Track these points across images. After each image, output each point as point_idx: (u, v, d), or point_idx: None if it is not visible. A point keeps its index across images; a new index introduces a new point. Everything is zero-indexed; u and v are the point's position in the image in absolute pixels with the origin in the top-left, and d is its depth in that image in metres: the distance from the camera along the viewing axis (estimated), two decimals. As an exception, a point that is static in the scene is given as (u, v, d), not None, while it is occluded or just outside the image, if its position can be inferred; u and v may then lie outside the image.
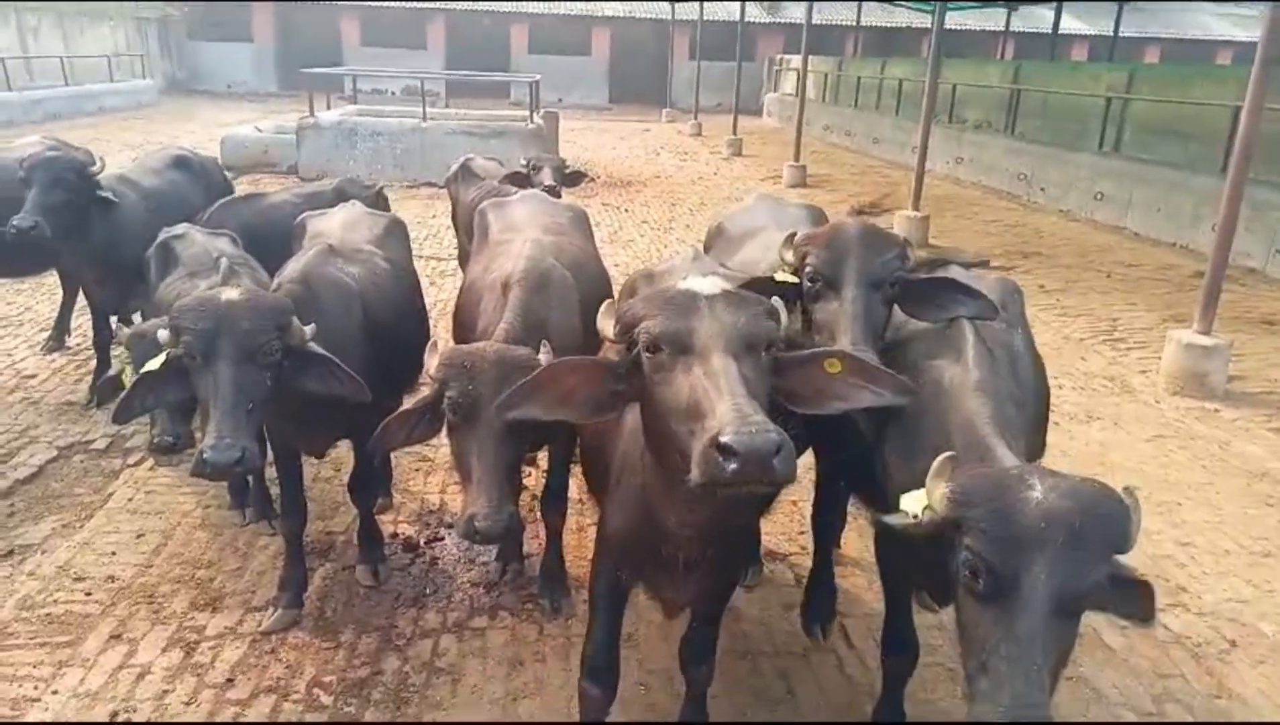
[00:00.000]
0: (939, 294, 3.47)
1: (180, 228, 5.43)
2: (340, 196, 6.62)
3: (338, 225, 5.39)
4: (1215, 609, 4.76)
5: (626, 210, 15.86)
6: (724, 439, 2.15)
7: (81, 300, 7.58)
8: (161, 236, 5.36)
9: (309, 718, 3.81)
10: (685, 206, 16.39)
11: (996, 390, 3.06)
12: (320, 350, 3.86)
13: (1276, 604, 4.82)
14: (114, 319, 6.53)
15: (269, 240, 5.95)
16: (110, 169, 6.84)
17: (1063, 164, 17.16)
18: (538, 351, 3.66)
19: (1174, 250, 13.66)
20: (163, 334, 3.73)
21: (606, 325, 2.80)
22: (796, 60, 28.08)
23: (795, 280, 3.58)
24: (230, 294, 3.75)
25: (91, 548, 5.00)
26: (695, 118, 29.77)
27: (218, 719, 3.78)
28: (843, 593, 4.74)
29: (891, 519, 2.64)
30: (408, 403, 3.65)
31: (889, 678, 3.75)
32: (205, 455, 3.43)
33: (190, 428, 4.32)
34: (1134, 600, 2.38)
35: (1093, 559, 2.20)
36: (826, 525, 4.67)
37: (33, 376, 7.31)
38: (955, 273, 3.71)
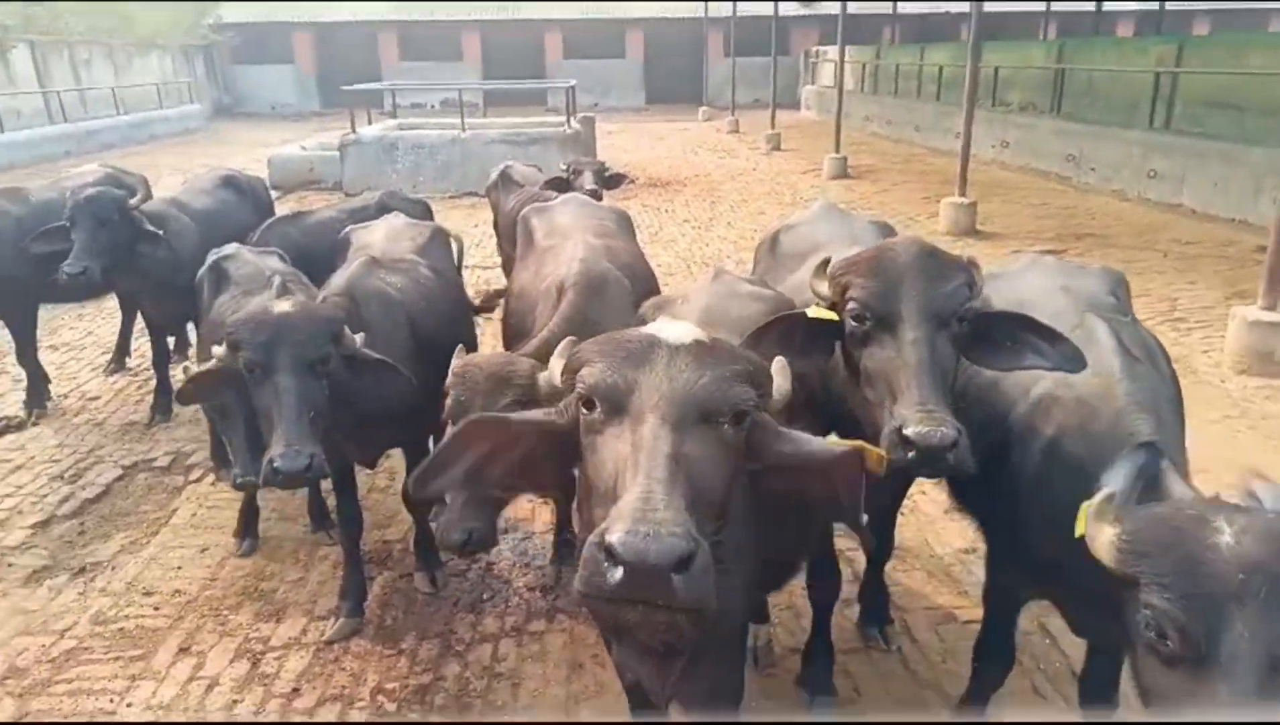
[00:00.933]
0: (1011, 335, 2.88)
1: (230, 248, 5.53)
2: (383, 209, 6.69)
3: (381, 237, 5.46)
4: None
5: (667, 210, 15.84)
6: (609, 538, 1.68)
7: (141, 322, 7.79)
8: (211, 258, 5.47)
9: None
10: (726, 204, 16.32)
11: (1154, 400, 2.73)
12: (374, 354, 3.94)
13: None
14: (171, 339, 6.69)
15: (316, 256, 6.04)
16: (161, 192, 7.02)
17: (1112, 142, 16.75)
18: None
19: (1233, 226, 13.24)
20: (218, 349, 3.83)
21: (555, 367, 2.43)
22: (833, 52, 27.84)
23: (833, 317, 2.95)
24: (283, 306, 3.83)
25: (158, 563, 5.12)
26: (732, 114, 29.65)
27: (285, 728, 3.84)
28: (901, 587, 4.66)
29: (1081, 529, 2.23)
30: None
31: (977, 683, 3.57)
32: (275, 464, 3.50)
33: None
34: None
35: None
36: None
37: (96, 398, 7.52)
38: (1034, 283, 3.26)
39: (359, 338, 3.92)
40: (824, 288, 3.04)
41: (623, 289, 4.41)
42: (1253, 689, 1.79)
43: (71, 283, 6.04)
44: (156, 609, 4.69)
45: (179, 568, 5.07)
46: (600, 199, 8.38)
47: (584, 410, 2.09)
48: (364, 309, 4.37)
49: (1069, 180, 17.69)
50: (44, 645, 4.38)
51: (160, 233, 6.39)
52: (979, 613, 4.42)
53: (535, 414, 2.27)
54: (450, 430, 2.28)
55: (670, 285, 10.65)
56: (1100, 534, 2.11)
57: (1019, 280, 3.73)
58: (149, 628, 4.53)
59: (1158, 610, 1.93)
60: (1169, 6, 26.94)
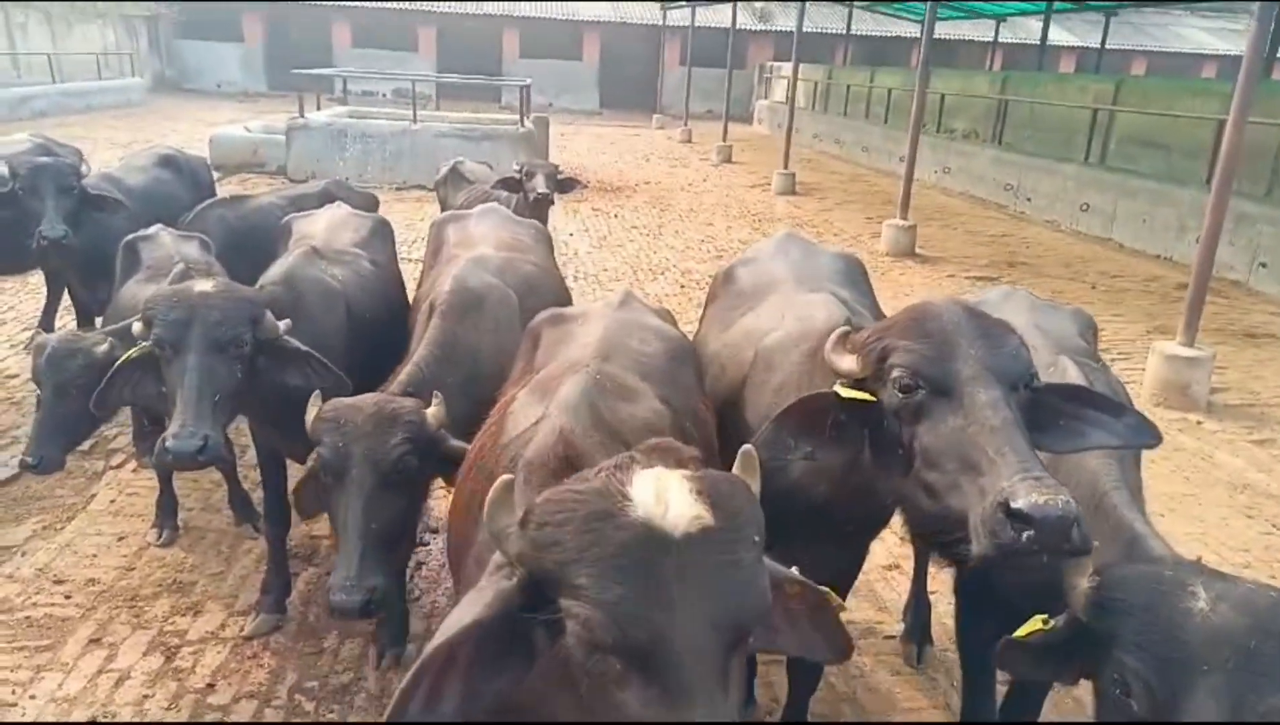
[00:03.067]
0: (1066, 411, 2.48)
1: (151, 229, 5.38)
2: (327, 198, 6.60)
3: (323, 227, 5.37)
4: (1196, 620, 4.78)
5: (616, 215, 15.87)
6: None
7: (67, 300, 7.54)
8: (129, 237, 5.32)
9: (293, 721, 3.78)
10: (675, 212, 16.42)
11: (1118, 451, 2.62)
12: (297, 344, 3.84)
13: (1256, 615, 4.86)
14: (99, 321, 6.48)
15: (254, 243, 5.93)
16: (97, 167, 6.82)
17: (1049, 174, 17.29)
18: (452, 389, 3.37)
19: (1159, 262, 13.78)
20: (136, 326, 3.73)
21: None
22: (787, 68, 28.18)
23: (868, 397, 2.51)
24: (203, 286, 3.75)
25: (72, 550, 4.96)
26: (685, 124, 29.84)
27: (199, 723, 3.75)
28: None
29: (1023, 634, 2.21)
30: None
31: None
32: (167, 443, 3.42)
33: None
34: None
35: (1269, 684, 1.87)
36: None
37: (15, 376, 7.24)
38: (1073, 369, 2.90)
39: (284, 323, 3.84)
40: (849, 362, 2.56)
41: (506, 306, 4.21)
42: None
43: (50, 248, 5.91)
44: (68, 598, 4.54)
45: (94, 556, 4.92)
46: (552, 202, 8.38)
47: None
48: (303, 300, 4.30)
49: (1006, 208, 18.20)
50: (-55, 632, 4.21)
51: (123, 200, 6.26)
52: (898, 627, 4.55)
53: (485, 602, 1.69)
54: (406, 679, 1.63)
55: (614, 291, 10.69)
56: (1076, 584, 2.12)
57: (994, 312, 3.72)
58: (58, 617, 4.38)
59: (1128, 669, 1.96)
60: (1109, 45, 27.89)
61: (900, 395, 2.40)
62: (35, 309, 8.41)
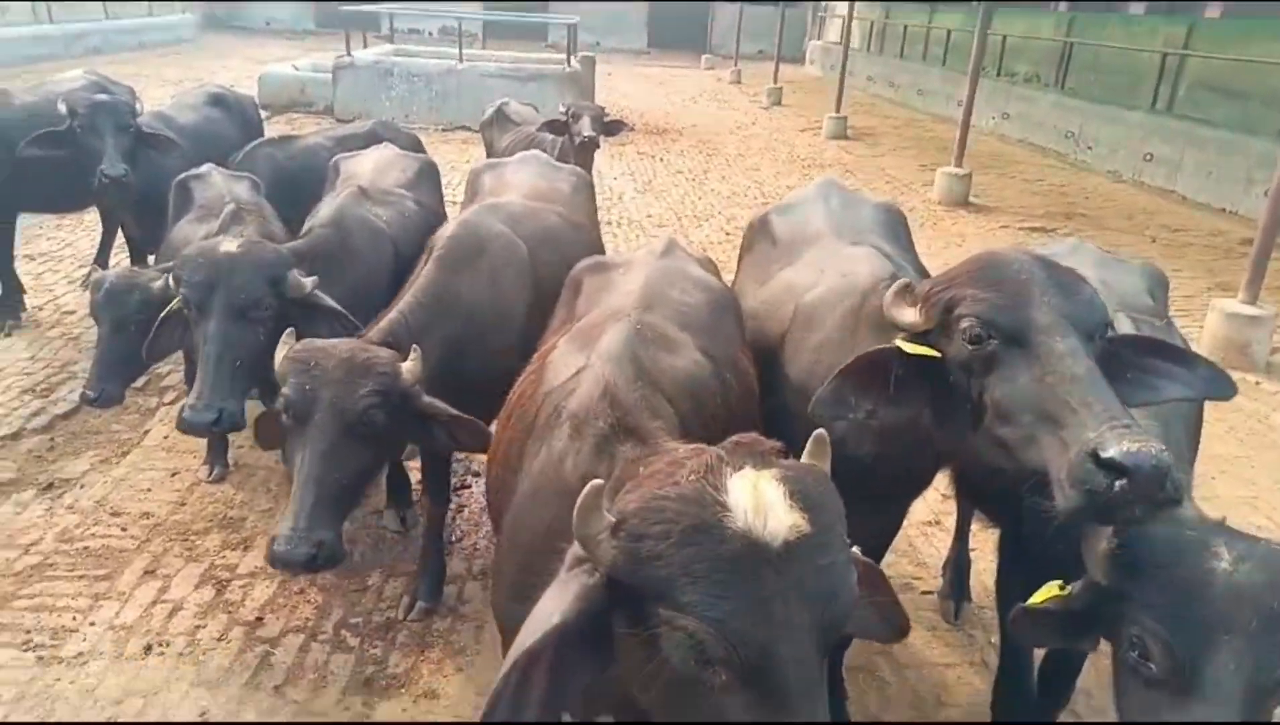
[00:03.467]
0: (1137, 363, 2.40)
1: (203, 168, 5.43)
2: (374, 139, 6.59)
3: (370, 167, 5.38)
4: (1244, 586, 4.70)
5: (662, 159, 15.67)
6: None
7: (120, 238, 7.67)
8: (181, 176, 5.38)
9: (335, 658, 3.89)
10: (722, 157, 16.16)
11: (1162, 408, 2.55)
12: (327, 301, 3.80)
13: (1308, 583, 4.75)
14: (151, 258, 6.59)
15: (301, 183, 5.96)
16: (148, 105, 6.88)
17: (1112, 122, 16.65)
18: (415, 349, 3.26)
19: (1223, 216, 13.27)
20: (160, 283, 3.81)
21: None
22: (841, 7, 27.38)
23: (933, 353, 2.43)
24: (229, 246, 3.73)
25: (128, 484, 5.11)
26: (735, 65, 29.19)
27: (247, 655, 3.88)
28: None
29: (1037, 601, 2.20)
30: None
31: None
32: (184, 414, 3.54)
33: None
34: None
35: None
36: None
37: (72, 312, 7.43)
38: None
39: (311, 280, 3.81)
40: (911, 315, 2.48)
41: (511, 259, 4.00)
42: (1228, 720, 1.80)
43: (110, 186, 6.00)
44: (124, 530, 4.70)
45: (148, 490, 5.07)
46: (598, 145, 8.28)
47: None
48: (350, 240, 4.33)
49: (1066, 157, 17.61)
50: (8, 559, 4.38)
51: (176, 139, 6.33)
52: (937, 583, 4.54)
53: (571, 600, 1.66)
54: (498, 681, 1.62)
55: (658, 237, 10.59)
56: (1096, 546, 2.07)
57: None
58: (115, 548, 4.54)
59: (1145, 631, 1.93)
60: (1183, -14, 26.58)
61: (970, 347, 2.31)
62: (91, 246, 8.58)
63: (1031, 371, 2.20)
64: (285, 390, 3.07)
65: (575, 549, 1.71)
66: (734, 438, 1.79)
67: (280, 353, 3.21)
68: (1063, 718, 3.50)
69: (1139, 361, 2.38)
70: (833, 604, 1.58)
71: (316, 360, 3.09)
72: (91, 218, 8.65)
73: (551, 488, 2.26)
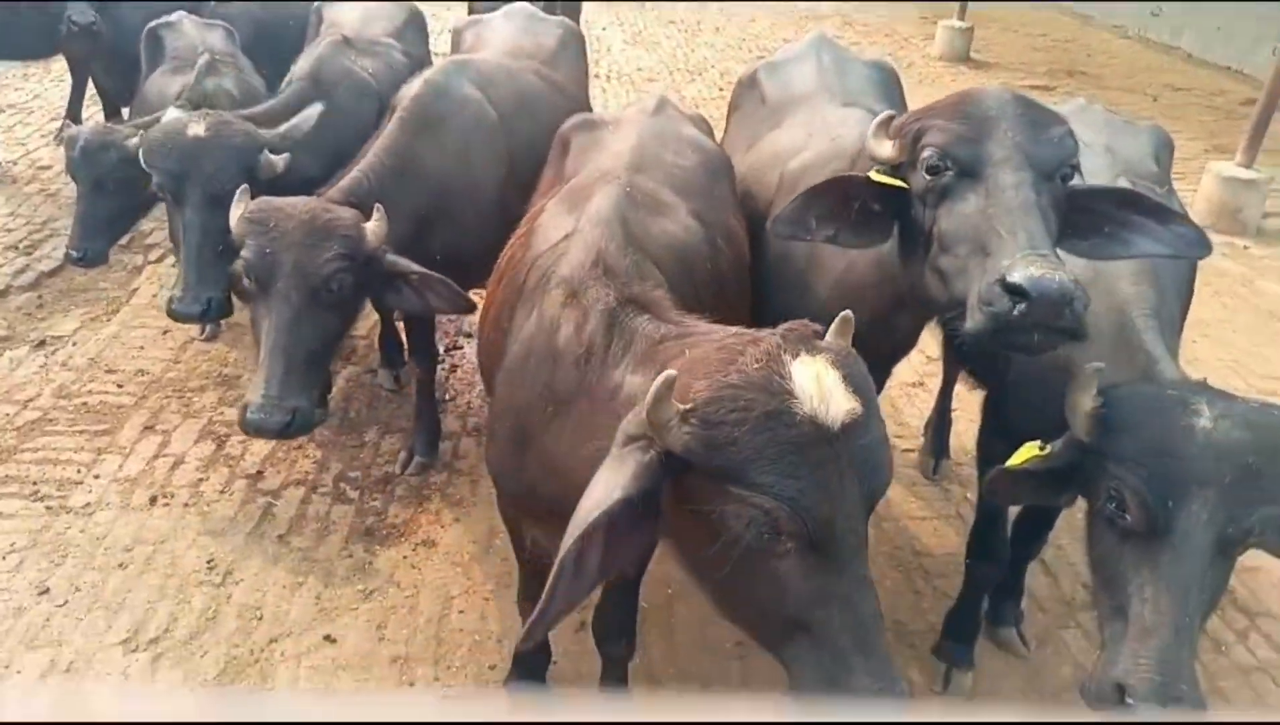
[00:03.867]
0: (1112, 216, 2.37)
1: (174, 15, 5.18)
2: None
3: (355, 15, 5.15)
4: (1214, 444, 4.86)
5: (653, 9, 15.02)
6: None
7: (91, 89, 7.39)
8: (151, 24, 5.13)
9: (336, 509, 4.03)
10: (715, 6, 15.48)
11: (1156, 270, 2.58)
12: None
13: None
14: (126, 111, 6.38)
15: (281, 32, 5.71)
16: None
17: (1122, -27, 15.95)
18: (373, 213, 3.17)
19: (1228, 74, 12.94)
20: (136, 141, 3.73)
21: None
22: None
23: (900, 184, 2.42)
24: (196, 129, 3.61)
25: (120, 341, 5.14)
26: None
27: (250, 506, 4.01)
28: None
29: (1016, 462, 2.25)
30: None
31: (970, 585, 3.36)
32: (173, 306, 3.56)
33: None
34: None
35: (1263, 501, 1.93)
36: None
37: (48, 168, 7.24)
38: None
39: (282, 159, 3.71)
40: (887, 149, 2.47)
41: (480, 124, 3.81)
42: (1196, 569, 1.92)
43: (80, 34, 5.81)
44: (120, 387, 4.75)
45: (141, 347, 5.10)
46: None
47: None
48: (333, 93, 4.18)
49: (1070, 10, 16.97)
50: (8, 414, 4.45)
51: None
52: (918, 442, 4.67)
53: (630, 476, 1.73)
54: (564, 549, 1.71)
55: (648, 92, 10.28)
56: (1080, 404, 2.13)
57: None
58: (113, 404, 4.60)
59: (1123, 484, 2.01)
60: None
61: (928, 177, 2.33)
62: (61, 97, 8.27)
63: (976, 202, 2.23)
64: (245, 253, 3.01)
65: (628, 427, 1.79)
66: (785, 325, 1.86)
67: (235, 211, 3.13)
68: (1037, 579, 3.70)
69: (1117, 215, 2.38)
70: (878, 475, 1.77)
71: (276, 221, 3.02)
72: (60, 67, 8.30)
73: (545, 351, 2.29)
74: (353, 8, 5.25)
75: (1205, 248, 2.39)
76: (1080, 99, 3.89)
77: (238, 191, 3.26)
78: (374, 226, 3.17)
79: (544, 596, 1.75)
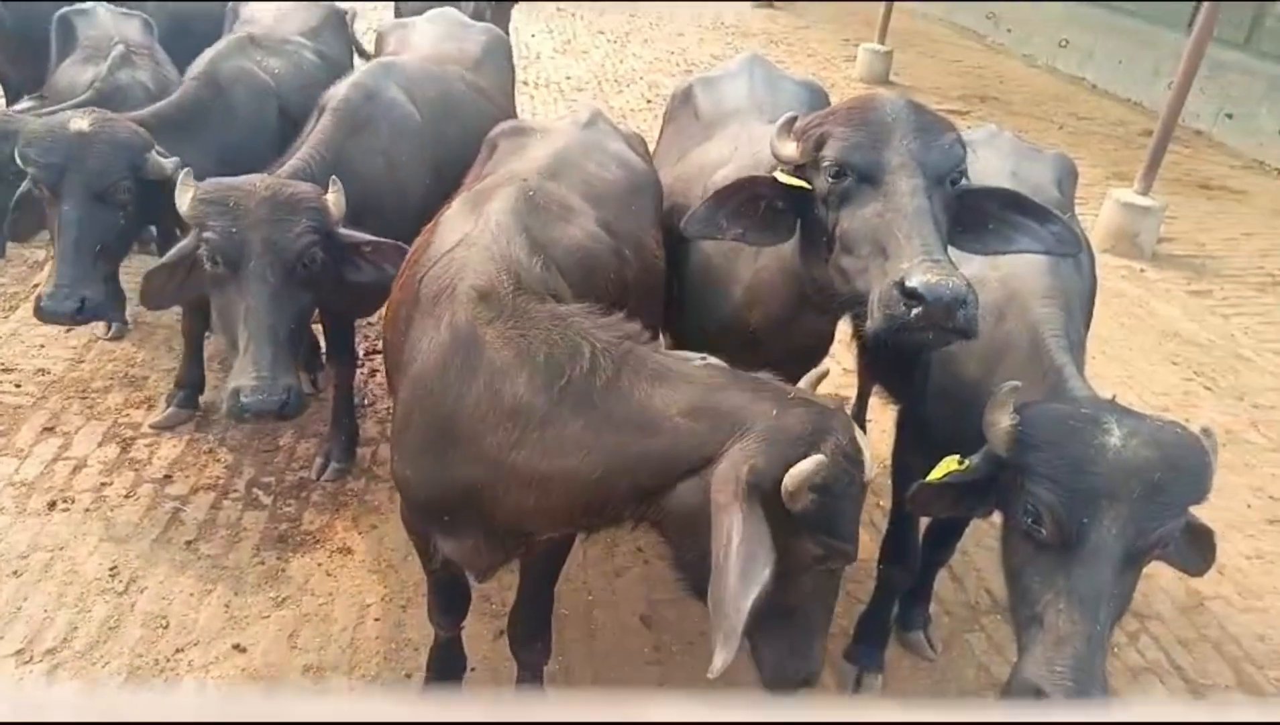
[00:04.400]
0: (997, 215, 2.55)
1: (87, 4, 4.98)
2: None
3: (269, 13, 5.02)
4: (1110, 456, 5.10)
5: (582, 17, 15.08)
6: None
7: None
8: (62, 11, 4.92)
9: (248, 516, 3.93)
10: (644, 19, 15.62)
11: (1065, 292, 2.75)
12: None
13: (1165, 455, 5.19)
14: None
15: (198, 26, 5.55)
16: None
17: (1031, 6, 16.67)
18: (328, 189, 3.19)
19: (1129, 106, 13.63)
20: (20, 154, 3.44)
21: None
22: None
23: (804, 185, 2.53)
24: (80, 124, 3.44)
25: (19, 339, 4.92)
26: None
27: (156, 512, 3.88)
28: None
29: (937, 476, 2.36)
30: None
31: (882, 590, 3.45)
32: (42, 303, 3.30)
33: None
34: (1197, 549, 2.26)
35: (1168, 514, 2.05)
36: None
37: (-57, 155, 6.88)
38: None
39: (171, 162, 3.53)
40: (790, 149, 2.58)
41: (404, 128, 3.85)
42: (1107, 580, 2.04)
43: None
44: (18, 387, 4.54)
45: (41, 346, 4.88)
46: (515, 1, 7.90)
47: None
48: (227, 95, 3.99)
49: (986, 39, 17.64)
50: (-106, 414, 4.21)
51: None
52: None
53: (767, 541, 1.91)
54: (736, 622, 1.83)
55: (577, 102, 10.30)
56: (998, 422, 2.24)
57: (976, 151, 3.69)
58: (10, 404, 4.40)
59: (1039, 500, 2.12)
60: None
61: (830, 181, 2.45)
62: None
63: (874, 207, 2.37)
64: (209, 236, 2.93)
65: (747, 477, 1.93)
66: (828, 403, 2.18)
67: (186, 195, 3.03)
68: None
69: (999, 213, 2.55)
70: None
71: (236, 200, 2.96)
72: (-43, 51, 7.90)
73: (470, 364, 2.23)
74: (268, 5, 5.12)
75: (1076, 246, 2.59)
76: (991, 125, 4.06)
77: (181, 173, 3.14)
78: (334, 199, 3.16)
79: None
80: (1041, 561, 2.15)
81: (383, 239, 3.22)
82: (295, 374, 3.01)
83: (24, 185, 3.55)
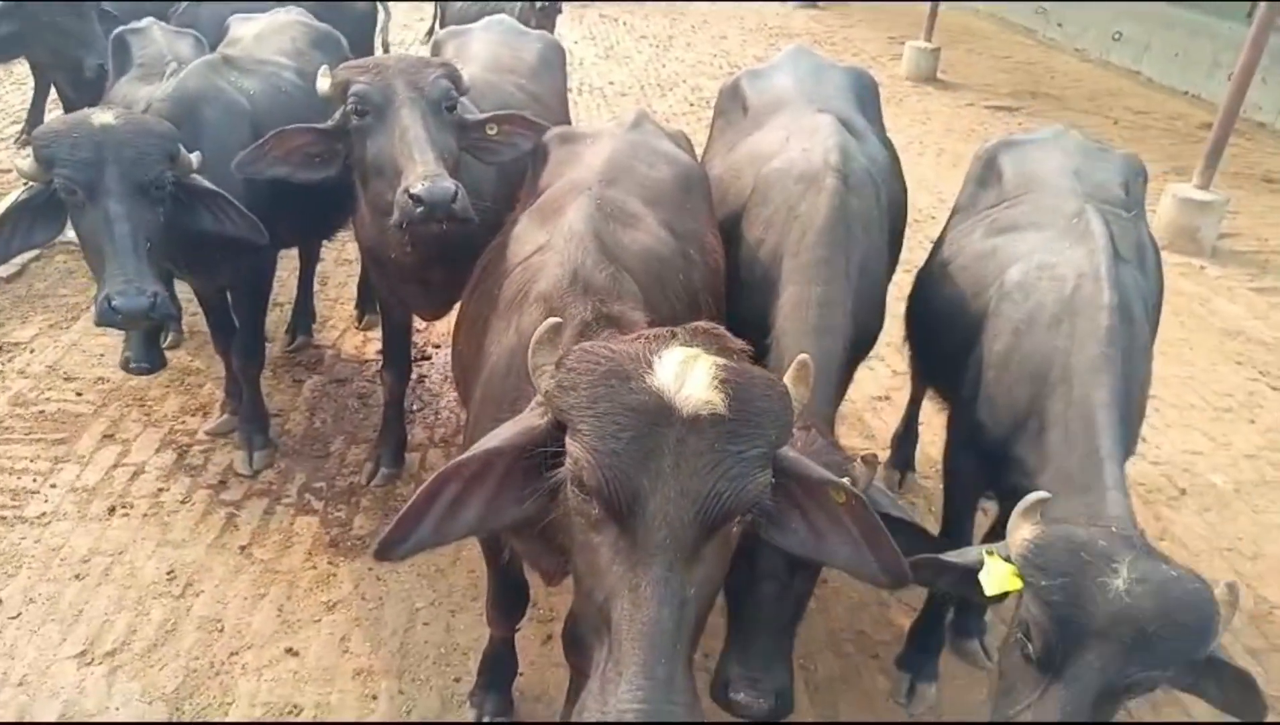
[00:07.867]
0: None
1: (143, 22, 5.05)
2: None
3: (254, 31, 4.88)
4: (1171, 459, 4.96)
5: (625, 23, 15.12)
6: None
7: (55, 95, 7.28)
8: (119, 30, 4.99)
9: (300, 521, 3.98)
10: (686, 23, 15.62)
11: (1127, 303, 2.74)
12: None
13: (1230, 457, 5.03)
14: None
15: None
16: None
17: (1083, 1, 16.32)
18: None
19: (1186, 99, 13.26)
20: (25, 164, 3.23)
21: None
22: None
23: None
24: (106, 118, 3.28)
25: (80, 349, 5.05)
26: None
27: (212, 517, 3.95)
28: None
29: (953, 555, 2.39)
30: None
31: (935, 597, 3.36)
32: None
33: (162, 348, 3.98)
34: (1232, 691, 2.15)
35: (1154, 664, 2.04)
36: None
37: (8, 171, 7.11)
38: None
39: (195, 157, 3.45)
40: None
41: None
42: (1082, 709, 2.04)
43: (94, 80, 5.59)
44: (79, 395, 4.67)
45: (101, 355, 5.01)
46: (559, 10, 7.96)
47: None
48: (196, 116, 3.80)
49: (1035, 34, 17.30)
50: (-38, 422, 4.35)
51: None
52: (883, 455, 4.71)
53: (515, 432, 1.81)
54: (424, 486, 1.80)
55: (620, 107, 10.33)
56: (1018, 531, 2.23)
57: (1038, 151, 3.61)
58: (71, 412, 4.52)
59: (1033, 618, 2.13)
60: None
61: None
62: (22, 102, 8.16)
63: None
64: (62, 170, 3.12)
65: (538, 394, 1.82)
66: (699, 325, 1.83)
67: (23, 160, 3.20)
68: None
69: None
70: (726, 487, 1.60)
71: (80, 131, 3.18)
72: (21, 71, 8.17)
73: (523, 368, 2.24)
74: (258, 23, 5.04)
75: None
76: (1058, 125, 4.02)
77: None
78: (188, 155, 3.40)
79: (408, 508, 1.81)
80: (1026, 673, 2.18)
81: (235, 201, 3.48)
82: (160, 285, 3.18)
83: (20, 195, 3.28)
